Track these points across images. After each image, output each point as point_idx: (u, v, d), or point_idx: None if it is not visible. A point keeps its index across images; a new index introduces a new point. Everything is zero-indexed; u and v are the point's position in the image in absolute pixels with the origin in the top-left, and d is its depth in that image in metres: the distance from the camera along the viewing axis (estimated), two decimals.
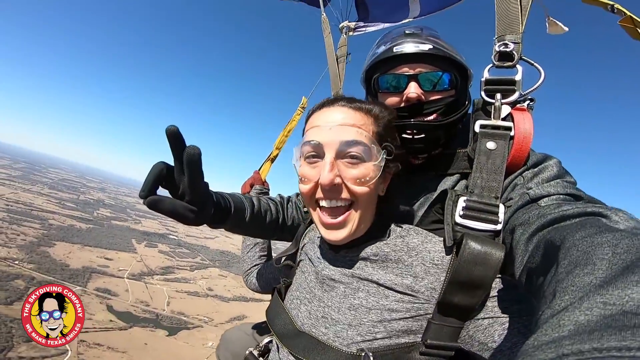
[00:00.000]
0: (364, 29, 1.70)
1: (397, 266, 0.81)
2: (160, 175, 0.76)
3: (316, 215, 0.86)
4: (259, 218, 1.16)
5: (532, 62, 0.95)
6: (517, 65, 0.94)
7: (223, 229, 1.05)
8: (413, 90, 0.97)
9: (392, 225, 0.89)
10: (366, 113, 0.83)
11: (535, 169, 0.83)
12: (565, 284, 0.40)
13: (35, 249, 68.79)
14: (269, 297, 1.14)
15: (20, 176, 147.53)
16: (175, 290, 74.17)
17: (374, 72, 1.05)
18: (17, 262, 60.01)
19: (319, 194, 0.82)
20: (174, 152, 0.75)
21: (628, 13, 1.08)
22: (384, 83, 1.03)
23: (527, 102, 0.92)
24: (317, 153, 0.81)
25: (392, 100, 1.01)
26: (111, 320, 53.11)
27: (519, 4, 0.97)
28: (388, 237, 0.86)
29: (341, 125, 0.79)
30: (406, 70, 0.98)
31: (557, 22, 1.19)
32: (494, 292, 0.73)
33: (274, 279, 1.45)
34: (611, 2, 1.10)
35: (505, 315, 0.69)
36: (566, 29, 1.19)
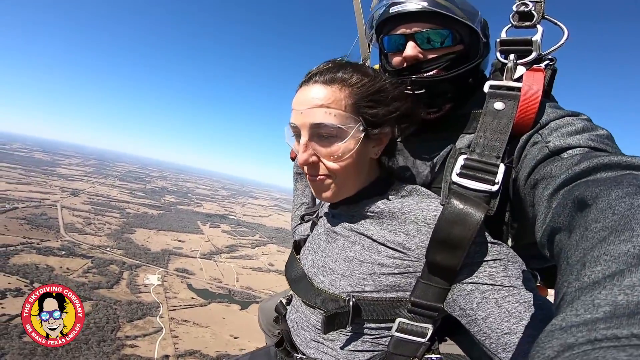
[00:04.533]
0: None
1: (392, 223, 0.83)
2: None
3: (308, 181, 0.91)
4: None
5: (555, 20, 0.89)
6: (538, 25, 0.88)
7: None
8: (409, 50, 0.95)
9: (395, 184, 0.91)
10: (341, 85, 0.81)
11: (553, 124, 0.77)
12: (597, 252, 0.35)
13: (120, 236, 76.83)
14: None
15: (93, 172, 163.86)
16: (241, 267, 79.21)
17: (380, 32, 1.05)
18: (108, 249, 67.82)
19: (305, 168, 0.87)
20: None
21: None
22: (387, 44, 1.02)
23: (547, 62, 0.88)
24: (297, 134, 0.86)
25: (396, 60, 1.00)
26: (192, 298, 58.36)
27: None
28: (388, 195, 0.88)
29: (309, 108, 0.81)
30: (404, 30, 0.96)
31: None
32: (485, 257, 0.72)
33: None
34: None
35: (489, 284, 0.69)
36: None
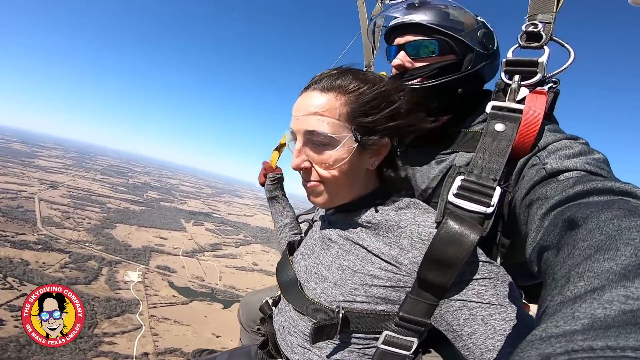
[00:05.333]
0: None
1: (387, 235, 0.82)
2: None
3: (302, 185, 0.92)
4: None
5: (563, 42, 0.89)
6: (545, 47, 0.88)
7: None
8: (397, 58, 1.01)
9: (394, 195, 0.90)
10: (338, 92, 0.81)
11: (551, 147, 0.78)
12: (581, 268, 0.36)
13: (100, 231, 75.00)
14: None
15: (74, 165, 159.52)
16: (224, 265, 78.75)
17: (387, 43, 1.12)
18: (87, 244, 66.14)
19: (300, 172, 0.89)
20: None
21: None
22: (388, 54, 1.09)
23: (550, 85, 0.87)
24: (295, 139, 0.87)
25: (393, 69, 1.05)
26: (174, 296, 57.64)
27: None
28: (385, 207, 0.87)
29: (304, 115, 0.82)
30: (398, 40, 1.03)
31: None
32: (471, 275, 0.73)
33: None
34: None
35: (477, 301, 0.70)
36: None
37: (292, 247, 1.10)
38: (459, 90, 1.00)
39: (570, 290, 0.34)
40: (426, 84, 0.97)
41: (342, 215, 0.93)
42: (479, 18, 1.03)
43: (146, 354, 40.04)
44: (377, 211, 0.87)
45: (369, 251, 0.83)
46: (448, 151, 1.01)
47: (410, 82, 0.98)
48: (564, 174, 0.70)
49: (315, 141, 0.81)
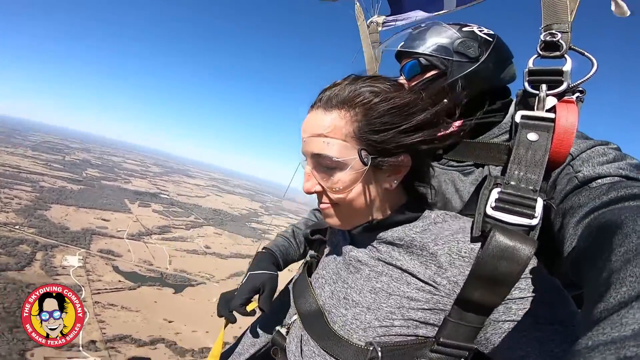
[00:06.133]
0: (393, 22, 1.70)
1: (422, 253, 0.76)
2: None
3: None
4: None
5: (583, 51, 0.88)
6: (566, 56, 0.87)
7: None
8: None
9: (426, 211, 0.84)
10: (343, 108, 0.75)
11: (585, 155, 0.77)
12: (622, 274, 0.35)
13: (33, 212, 68.20)
14: None
15: (1, 140, 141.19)
16: (174, 249, 76.18)
17: None
18: (17, 227, 59.93)
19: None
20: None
21: None
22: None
23: (577, 94, 0.86)
24: (306, 160, 0.83)
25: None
26: (120, 281, 54.86)
27: None
28: (418, 223, 0.81)
29: (310, 136, 0.77)
30: (402, 63, 1.19)
31: (621, 2, 1.07)
32: (522, 294, 0.65)
33: None
34: None
35: (528, 321, 0.63)
36: (628, 12, 1.08)
37: (309, 269, 1.03)
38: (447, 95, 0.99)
39: (613, 297, 0.34)
40: None
41: (368, 234, 0.85)
42: (465, 29, 1.10)
43: (93, 341, 38.36)
44: (409, 228, 0.81)
45: (404, 270, 0.77)
46: (470, 163, 1.02)
47: None
48: (597, 181, 0.68)
49: (323, 164, 0.76)
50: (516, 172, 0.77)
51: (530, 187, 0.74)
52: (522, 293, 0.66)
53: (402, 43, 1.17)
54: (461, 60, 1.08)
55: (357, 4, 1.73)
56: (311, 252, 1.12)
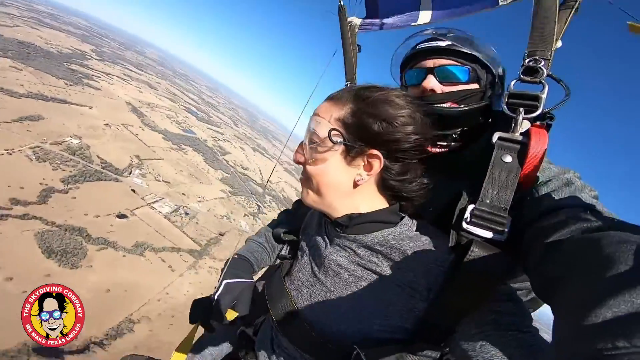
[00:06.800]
0: (369, 27, 1.69)
1: (401, 260, 0.81)
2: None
3: None
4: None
5: (559, 79, 0.93)
6: (543, 81, 0.91)
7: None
8: (430, 82, 1.04)
9: (406, 217, 0.89)
10: (336, 100, 0.86)
11: (550, 183, 0.84)
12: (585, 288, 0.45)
13: None
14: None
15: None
16: None
17: (404, 68, 1.17)
18: None
19: None
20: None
21: None
22: (408, 77, 1.14)
23: (547, 120, 0.90)
24: None
25: (414, 92, 1.09)
26: None
27: (556, 23, 0.94)
28: (396, 228, 0.85)
29: (313, 115, 0.88)
30: (426, 63, 1.07)
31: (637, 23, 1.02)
32: (493, 305, 0.72)
33: None
34: None
35: (493, 328, 0.69)
36: None
37: (283, 271, 1.03)
38: (480, 119, 1.05)
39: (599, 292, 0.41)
40: (457, 108, 1.01)
41: (346, 236, 0.89)
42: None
43: None
44: (388, 234, 0.84)
45: (383, 276, 0.81)
46: (451, 178, 1.01)
47: (439, 105, 1.01)
48: (561, 211, 0.73)
49: (310, 139, 0.85)
50: (490, 191, 0.82)
51: (502, 206, 0.80)
52: (490, 301, 0.72)
53: (451, 43, 1.04)
54: (496, 91, 1.07)
55: (341, 2, 1.67)
56: (282, 253, 1.18)
